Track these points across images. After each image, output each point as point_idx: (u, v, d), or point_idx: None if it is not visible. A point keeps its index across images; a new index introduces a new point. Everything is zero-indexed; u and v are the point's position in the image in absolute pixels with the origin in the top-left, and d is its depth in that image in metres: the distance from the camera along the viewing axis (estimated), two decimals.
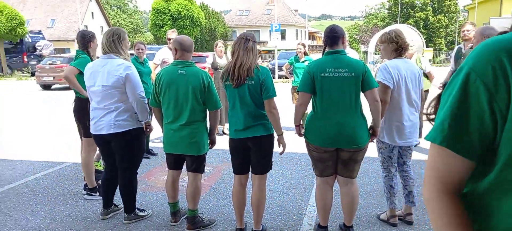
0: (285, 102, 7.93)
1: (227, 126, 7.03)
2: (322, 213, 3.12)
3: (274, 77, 18.86)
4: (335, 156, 2.96)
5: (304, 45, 6.94)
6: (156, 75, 3.26)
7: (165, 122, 3.22)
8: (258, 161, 3.07)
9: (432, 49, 33.95)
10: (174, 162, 3.34)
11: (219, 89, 6.32)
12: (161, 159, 5.47)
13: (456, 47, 5.11)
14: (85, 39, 4.02)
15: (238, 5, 52.04)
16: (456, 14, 46.65)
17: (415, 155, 5.36)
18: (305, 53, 6.88)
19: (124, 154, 3.38)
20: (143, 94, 3.29)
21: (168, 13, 24.62)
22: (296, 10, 55.01)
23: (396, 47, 3.18)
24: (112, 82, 3.20)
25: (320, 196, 3.06)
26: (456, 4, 46.15)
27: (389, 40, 3.19)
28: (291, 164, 5.26)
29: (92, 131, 3.43)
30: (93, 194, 4.10)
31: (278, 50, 21.23)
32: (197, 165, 3.27)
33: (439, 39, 44.63)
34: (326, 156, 2.93)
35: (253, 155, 3.06)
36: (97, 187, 4.13)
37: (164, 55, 6.02)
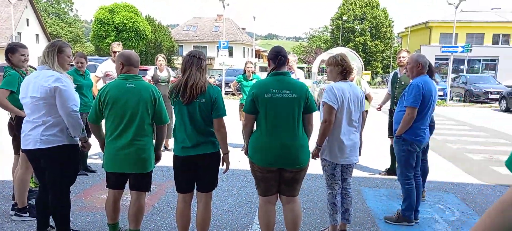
0: (232, 120, 7.93)
1: (171, 141, 6.88)
2: None
3: None
4: (278, 176, 3.01)
5: (252, 64, 7.07)
6: (100, 89, 3.11)
7: (109, 139, 3.06)
8: (206, 179, 3.03)
9: (370, 72, 36.06)
10: (117, 181, 3.19)
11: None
12: (100, 176, 5.19)
13: (392, 72, 5.50)
14: (6, 50, 3.80)
15: (186, 20, 51.70)
16: (391, 40, 50.21)
17: (354, 173, 5.61)
18: (253, 72, 7.01)
19: (52, 171, 3.12)
20: (76, 108, 3.07)
21: (112, 24, 23.64)
22: (243, 28, 55.83)
23: (341, 70, 3.35)
24: (41, 94, 2.97)
25: (263, 215, 3.08)
26: (392, 31, 49.70)
27: (335, 64, 3.35)
28: (238, 181, 5.26)
29: (21, 146, 3.18)
30: (22, 214, 3.77)
31: (225, 66, 21.28)
32: (143, 183, 3.15)
33: (376, 63, 47.62)
34: (269, 176, 2.98)
35: (200, 172, 3.02)
36: (28, 206, 3.82)
37: (107, 68, 5.79)
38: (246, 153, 3.11)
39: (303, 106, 2.90)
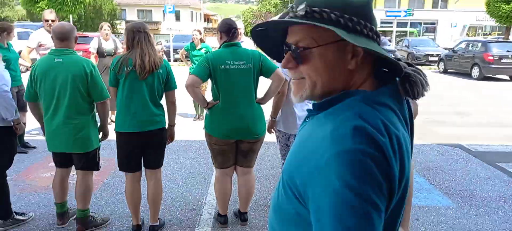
0: (182, 89, 7.73)
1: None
2: (222, 204, 3.16)
3: (169, 61, 18.31)
4: (235, 147, 3.01)
5: (200, 32, 6.84)
6: (32, 66, 2.88)
7: (45, 118, 2.87)
8: (156, 155, 2.96)
9: None
10: (61, 160, 3.04)
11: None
12: (42, 153, 4.89)
13: None
14: None
15: None
16: None
17: None
18: (202, 40, 6.79)
19: None
20: (7, 88, 2.83)
21: None
22: None
23: None
24: None
25: (220, 187, 3.09)
26: None
27: None
28: (190, 152, 5.20)
29: None
30: None
31: (172, 31, 20.55)
32: (87, 162, 3.00)
33: None
34: (226, 148, 2.97)
35: (150, 149, 2.94)
36: None
37: (40, 38, 5.26)
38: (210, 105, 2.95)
39: (261, 72, 2.89)
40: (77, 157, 2.96)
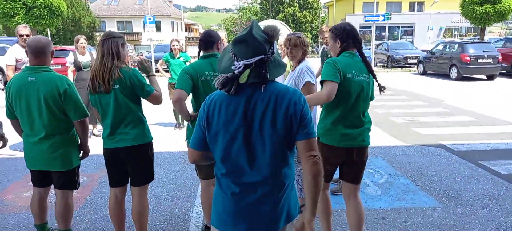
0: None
1: (98, 127, 6.47)
2: (209, 214, 3.10)
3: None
4: None
5: (178, 42, 6.89)
6: (7, 84, 2.77)
7: (24, 135, 2.77)
8: (136, 172, 2.84)
9: None
10: (39, 178, 2.90)
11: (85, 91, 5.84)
12: (21, 172, 4.72)
13: (321, 48, 5.63)
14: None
15: None
16: (319, 11, 51.68)
17: None
18: (180, 50, 6.82)
19: None
20: None
21: (20, 1, 20.91)
22: (170, 1, 53.65)
23: (304, 50, 3.32)
24: None
25: (206, 198, 3.03)
26: (318, 1, 51.11)
27: (303, 44, 3.30)
28: (175, 164, 5.11)
29: None
30: None
31: (153, 41, 20.34)
32: (65, 181, 2.86)
33: (306, 33, 48.90)
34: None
35: (128, 166, 2.83)
36: None
37: (17, 54, 5.11)
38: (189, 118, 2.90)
39: None
40: (55, 175, 2.85)
